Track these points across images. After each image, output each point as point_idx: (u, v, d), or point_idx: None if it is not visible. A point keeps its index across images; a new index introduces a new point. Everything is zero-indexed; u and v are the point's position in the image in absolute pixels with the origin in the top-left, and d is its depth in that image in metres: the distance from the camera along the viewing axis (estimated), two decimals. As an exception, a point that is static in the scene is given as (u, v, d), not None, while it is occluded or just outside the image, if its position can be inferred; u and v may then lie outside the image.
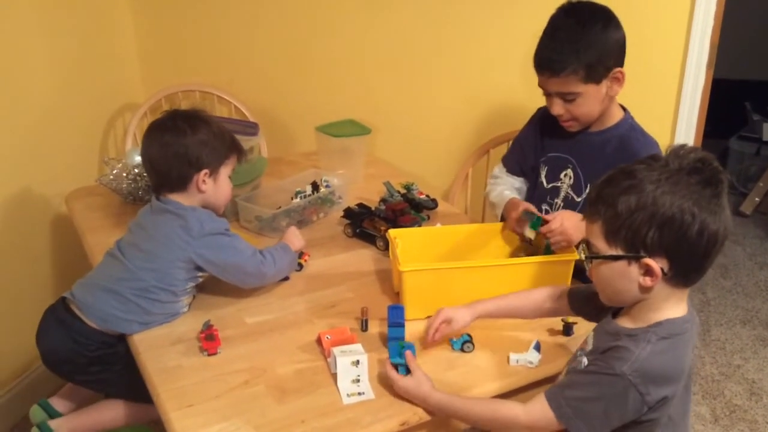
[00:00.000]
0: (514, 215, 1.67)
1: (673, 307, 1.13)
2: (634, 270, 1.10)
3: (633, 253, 1.09)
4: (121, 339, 1.53)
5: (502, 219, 1.80)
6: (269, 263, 1.57)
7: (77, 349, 1.54)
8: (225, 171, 1.61)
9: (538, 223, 1.60)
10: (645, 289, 1.11)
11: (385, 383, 1.31)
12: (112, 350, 1.55)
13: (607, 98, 1.69)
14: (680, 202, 1.05)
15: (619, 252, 1.11)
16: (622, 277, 1.12)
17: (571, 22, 1.63)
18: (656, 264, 1.08)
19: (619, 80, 1.67)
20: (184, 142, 1.53)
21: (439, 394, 1.24)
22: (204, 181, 1.55)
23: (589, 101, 1.66)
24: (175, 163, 1.53)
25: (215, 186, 1.59)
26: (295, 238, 1.72)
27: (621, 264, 1.12)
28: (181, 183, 1.55)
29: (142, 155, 1.59)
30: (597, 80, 1.63)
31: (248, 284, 1.59)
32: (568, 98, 1.66)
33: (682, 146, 1.11)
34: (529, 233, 1.62)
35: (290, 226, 1.78)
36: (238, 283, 1.57)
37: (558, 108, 1.69)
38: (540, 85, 1.70)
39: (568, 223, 1.57)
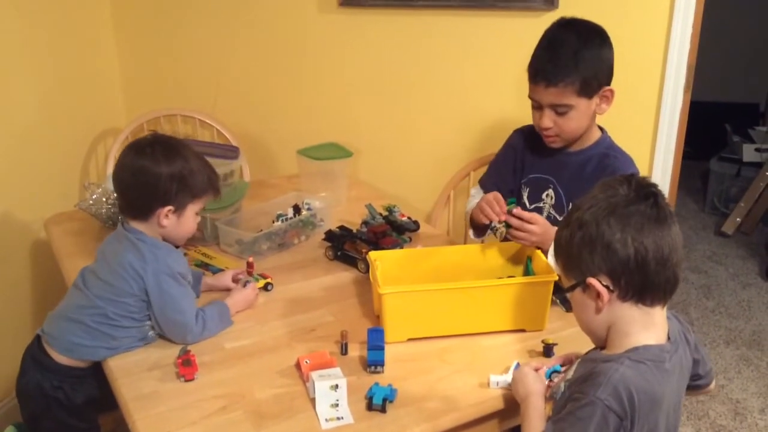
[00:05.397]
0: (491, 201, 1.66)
1: (644, 330, 1.12)
2: (588, 297, 1.12)
3: (580, 279, 1.11)
4: (86, 380, 1.52)
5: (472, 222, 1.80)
6: (197, 332, 1.49)
7: (42, 383, 1.52)
8: (193, 208, 1.55)
9: (513, 202, 1.63)
10: (600, 311, 1.12)
11: (363, 408, 1.29)
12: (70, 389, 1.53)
13: (593, 116, 1.71)
14: (597, 214, 1.09)
15: (573, 283, 1.14)
16: (583, 307, 1.15)
17: (571, 35, 1.65)
18: (599, 283, 1.09)
19: (608, 99, 1.70)
20: (156, 173, 1.47)
21: (539, 404, 1.22)
22: (167, 216, 1.50)
23: (579, 116, 1.68)
24: (142, 192, 1.49)
25: (178, 222, 1.53)
26: (242, 302, 1.62)
27: (577, 295, 1.15)
28: (143, 212, 1.51)
29: (113, 174, 1.56)
30: (589, 95, 1.66)
31: (168, 334, 1.51)
32: (559, 111, 1.67)
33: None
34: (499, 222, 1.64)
35: (250, 287, 1.66)
36: (161, 330, 1.51)
37: (547, 121, 1.69)
38: (531, 96, 1.71)
39: (541, 230, 1.59)
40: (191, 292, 1.55)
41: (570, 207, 1.17)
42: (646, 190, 1.10)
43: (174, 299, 1.48)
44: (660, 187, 1.13)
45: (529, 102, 1.75)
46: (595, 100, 1.68)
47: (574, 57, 1.62)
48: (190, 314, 1.49)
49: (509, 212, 1.62)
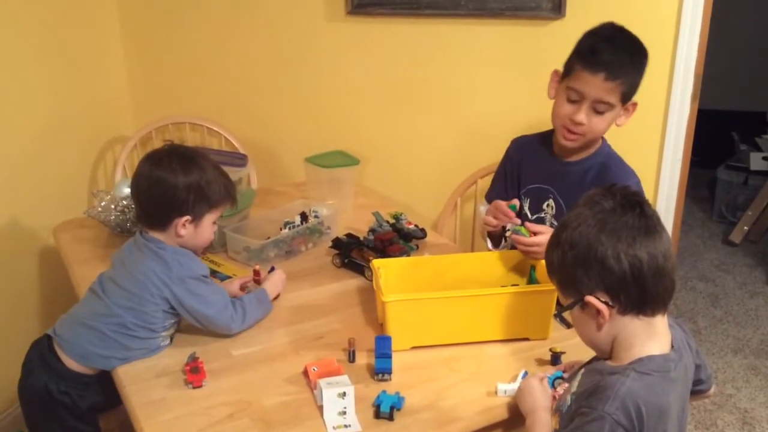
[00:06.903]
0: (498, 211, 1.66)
1: (648, 340, 1.12)
2: (588, 314, 1.12)
3: (578, 297, 1.11)
4: (92, 386, 1.54)
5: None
6: (238, 320, 1.54)
7: (48, 385, 1.52)
8: (210, 218, 1.57)
9: (513, 208, 1.63)
10: (601, 327, 1.11)
11: (370, 416, 1.29)
12: (79, 393, 1.54)
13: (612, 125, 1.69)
14: (587, 232, 1.08)
15: (571, 302, 1.14)
16: (583, 323, 1.15)
17: (627, 35, 1.63)
18: (597, 301, 1.09)
19: (630, 112, 1.68)
20: (173, 183, 1.49)
21: (546, 420, 1.22)
22: (184, 225, 1.52)
23: (610, 119, 1.65)
24: (160, 202, 1.50)
25: (195, 232, 1.55)
26: (279, 283, 1.71)
27: (576, 312, 1.15)
28: (161, 222, 1.52)
29: (131, 184, 1.58)
30: (624, 101, 1.63)
31: (215, 331, 1.55)
32: (599, 108, 1.62)
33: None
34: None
35: (277, 270, 1.75)
36: (206, 328, 1.54)
37: (583, 116, 1.63)
38: (575, 86, 1.62)
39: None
40: (218, 287, 1.59)
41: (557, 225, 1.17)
42: (631, 200, 1.10)
43: (205, 297, 1.50)
44: (645, 195, 1.14)
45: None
46: (621, 109, 1.65)
47: (631, 58, 1.61)
48: (223, 306, 1.52)
49: (515, 232, 1.62)
